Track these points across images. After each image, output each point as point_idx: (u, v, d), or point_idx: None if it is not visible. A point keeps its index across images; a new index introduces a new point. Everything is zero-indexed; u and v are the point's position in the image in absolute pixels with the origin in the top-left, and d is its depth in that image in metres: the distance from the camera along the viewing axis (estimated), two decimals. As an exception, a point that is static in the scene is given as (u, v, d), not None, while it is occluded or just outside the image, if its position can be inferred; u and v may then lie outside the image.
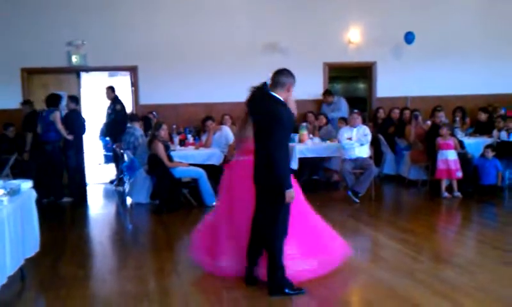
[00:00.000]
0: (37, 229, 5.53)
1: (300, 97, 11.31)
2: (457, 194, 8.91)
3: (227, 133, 9.85)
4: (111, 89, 11.29)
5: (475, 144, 9.81)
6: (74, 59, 11.04)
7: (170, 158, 8.70)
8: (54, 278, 5.46)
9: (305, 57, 11.89)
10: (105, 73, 13.37)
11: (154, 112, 10.93)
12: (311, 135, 10.16)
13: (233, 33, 11.69)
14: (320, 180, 10.44)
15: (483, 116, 10.86)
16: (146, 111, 11.10)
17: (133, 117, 10.28)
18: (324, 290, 4.86)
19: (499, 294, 4.64)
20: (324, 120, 10.84)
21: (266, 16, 11.93)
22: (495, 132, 9.79)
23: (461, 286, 4.85)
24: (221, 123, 10.35)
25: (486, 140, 9.81)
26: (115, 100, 11.22)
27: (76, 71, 11.40)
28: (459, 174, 8.88)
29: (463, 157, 9.10)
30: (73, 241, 7.06)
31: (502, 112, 11.38)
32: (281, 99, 4.63)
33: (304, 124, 10.25)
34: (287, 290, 4.71)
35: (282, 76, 4.67)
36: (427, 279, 5.08)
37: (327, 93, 11.91)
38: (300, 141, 9.57)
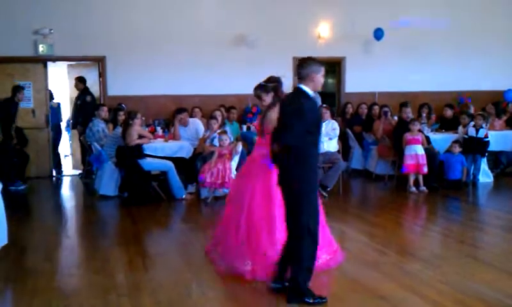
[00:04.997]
0: (4, 221, 5.43)
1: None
2: (423, 188, 9.06)
3: (198, 125, 9.83)
4: (78, 80, 11.28)
5: (440, 139, 9.98)
6: (41, 48, 10.82)
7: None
8: (20, 271, 5.38)
9: (275, 51, 11.88)
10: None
11: (123, 105, 10.78)
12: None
13: (203, 25, 11.60)
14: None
15: (449, 112, 11.06)
16: (114, 103, 10.94)
17: (97, 107, 10.26)
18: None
19: (463, 286, 4.75)
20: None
21: (235, 8, 11.87)
22: (460, 128, 10.00)
23: (426, 279, 4.95)
24: (191, 115, 10.31)
25: (451, 136, 10.01)
26: (85, 91, 11.23)
27: (43, 60, 11.18)
28: (425, 169, 9.05)
29: (429, 152, 9.26)
30: (40, 233, 6.96)
31: (471, 110, 11.57)
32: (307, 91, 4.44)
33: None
34: (306, 299, 4.38)
35: (302, 68, 4.47)
36: (393, 272, 5.17)
37: None
38: (269, 134, 9.58)
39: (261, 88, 5.38)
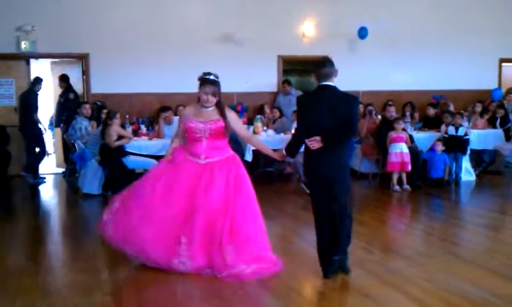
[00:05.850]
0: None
1: (255, 89, 11.54)
2: (407, 187, 9.12)
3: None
4: (61, 79, 11.21)
5: (423, 138, 10.07)
6: (23, 45, 10.69)
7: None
8: (2, 270, 5.33)
9: (260, 50, 11.89)
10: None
11: (98, 102, 10.69)
12: (265, 128, 10.22)
13: (188, 22, 11.55)
14: (274, 172, 10.50)
15: (431, 111, 11.16)
16: (95, 100, 10.86)
17: (80, 105, 10.19)
18: (276, 279, 4.91)
19: (446, 284, 4.78)
20: (278, 113, 10.91)
21: (221, 5, 11.82)
22: (442, 127, 10.09)
23: (410, 277, 4.98)
24: (176, 113, 10.27)
25: (434, 134, 10.10)
26: (68, 89, 11.18)
27: (25, 57, 11.06)
28: (409, 167, 9.11)
29: (413, 151, 9.32)
30: (23, 232, 6.90)
31: (451, 107, 11.70)
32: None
33: (258, 116, 10.29)
34: (349, 272, 4.94)
35: (330, 67, 4.84)
36: (377, 269, 5.20)
37: (286, 82, 12.04)
38: (254, 133, 9.60)
39: (217, 85, 5.12)
